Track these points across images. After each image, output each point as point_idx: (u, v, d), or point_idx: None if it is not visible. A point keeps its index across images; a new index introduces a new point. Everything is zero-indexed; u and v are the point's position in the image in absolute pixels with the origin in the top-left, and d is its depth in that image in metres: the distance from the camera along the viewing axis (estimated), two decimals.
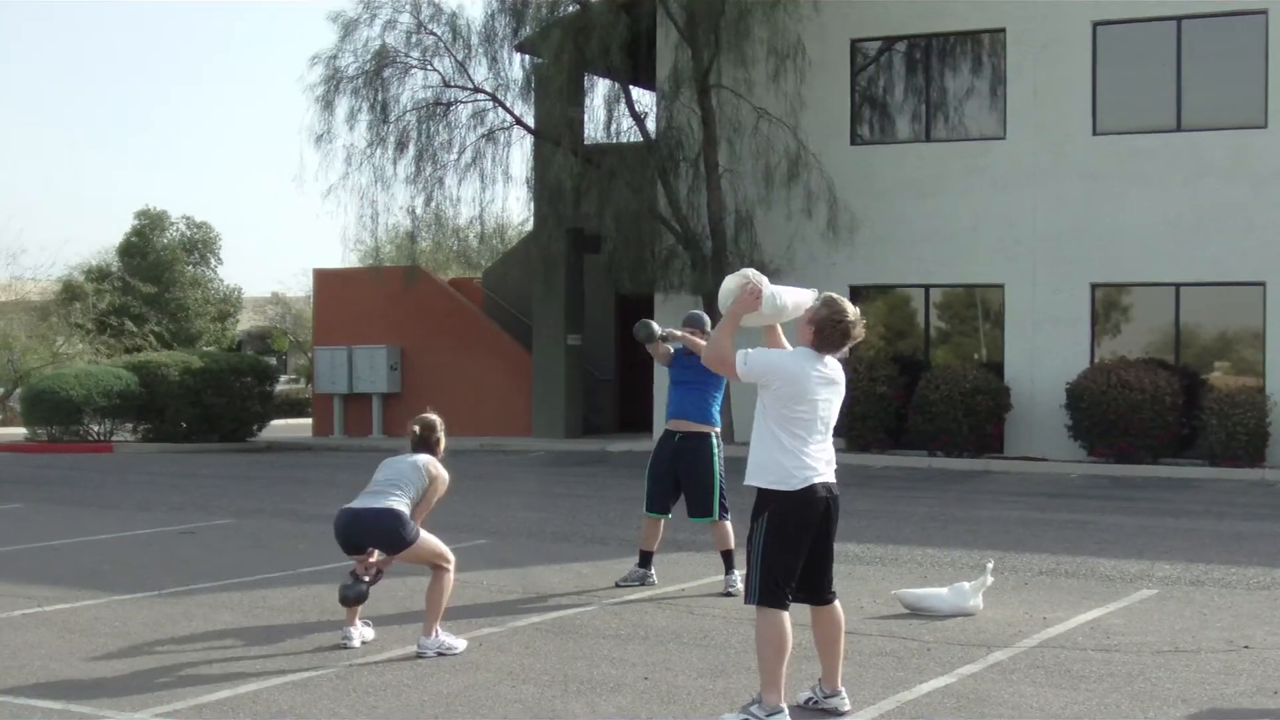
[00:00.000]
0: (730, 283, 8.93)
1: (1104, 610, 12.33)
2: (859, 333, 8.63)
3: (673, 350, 13.40)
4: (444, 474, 11.01)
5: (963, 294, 30.37)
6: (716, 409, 13.32)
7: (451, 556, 10.75)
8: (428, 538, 10.68)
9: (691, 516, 13.39)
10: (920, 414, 27.99)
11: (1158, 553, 15.77)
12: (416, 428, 11.20)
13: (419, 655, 10.43)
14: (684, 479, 13.26)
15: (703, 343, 13.03)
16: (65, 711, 9.00)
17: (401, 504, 10.61)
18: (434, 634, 10.53)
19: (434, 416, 11.24)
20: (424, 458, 10.98)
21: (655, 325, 13.01)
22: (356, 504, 10.74)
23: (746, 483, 8.64)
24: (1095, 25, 28.63)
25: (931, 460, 27.56)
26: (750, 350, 8.60)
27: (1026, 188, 29.02)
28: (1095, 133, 28.59)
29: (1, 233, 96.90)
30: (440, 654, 10.45)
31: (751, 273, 8.90)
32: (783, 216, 30.26)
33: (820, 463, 8.58)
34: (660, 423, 13.99)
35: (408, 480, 10.79)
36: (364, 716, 8.92)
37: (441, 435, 11.20)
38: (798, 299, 9.01)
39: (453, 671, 10.03)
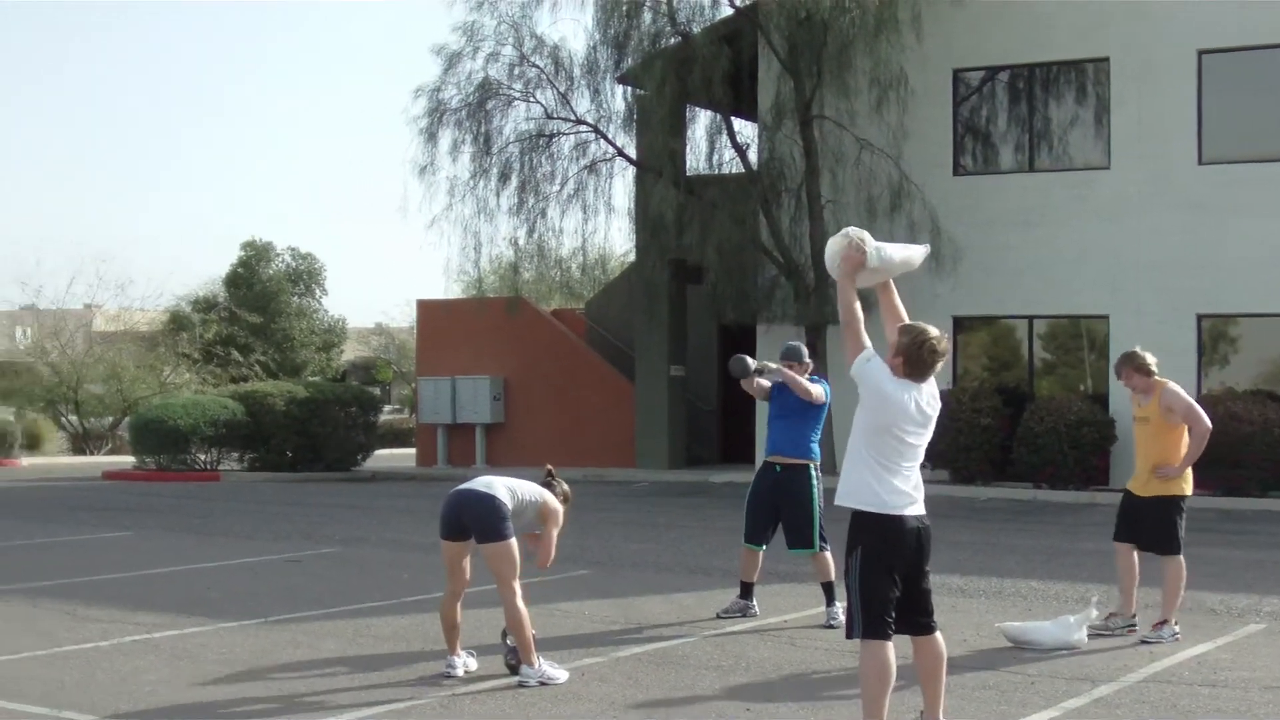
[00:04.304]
0: (833, 245, 8.93)
1: (1211, 645, 12.21)
2: (945, 348, 8.61)
3: (769, 385, 13.40)
4: (558, 508, 11.10)
5: (1067, 325, 30.18)
6: (816, 442, 13.32)
7: (519, 587, 10.69)
8: (514, 549, 10.70)
9: (791, 548, 13.38)
10: (1025, 446, 27.80)
11: (1267, 587, 15.58)
12: (547, 468, 11.59)
13: (521, 685, 10.47)
14: (784, 511, 13.27)
15: (801, 379, 13.05)
16: None
17: (506, 499, 10.70)
18: (536, 663, 10.57)
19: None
20: (545, 491, 11.09)
21: (750, 360, 13.03)
22: (465, 486, 10.88)
23: (838, 502, 8.66)
24: (1200, 54, 28.41)
25: (1036, 492, 27.36)
26: (874, 356, 8.58)
27: (1131, 217, 28.82)
28: (1201, 162, 28.35)
29: (110, 264, 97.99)
30: (542, 683, 10.48)
31: (853, 230, 8.91)
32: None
33: (909, 487, 8.57)
34: (762, 453, 13.98)
35: (522, 488, 10.89)
36: None
37: (560, 484, 11.30)
38: (906, 254, 9.02)
39: (554, 701, 10.06)
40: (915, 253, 9.12)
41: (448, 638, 10.97)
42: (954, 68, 30.80)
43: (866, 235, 8.86)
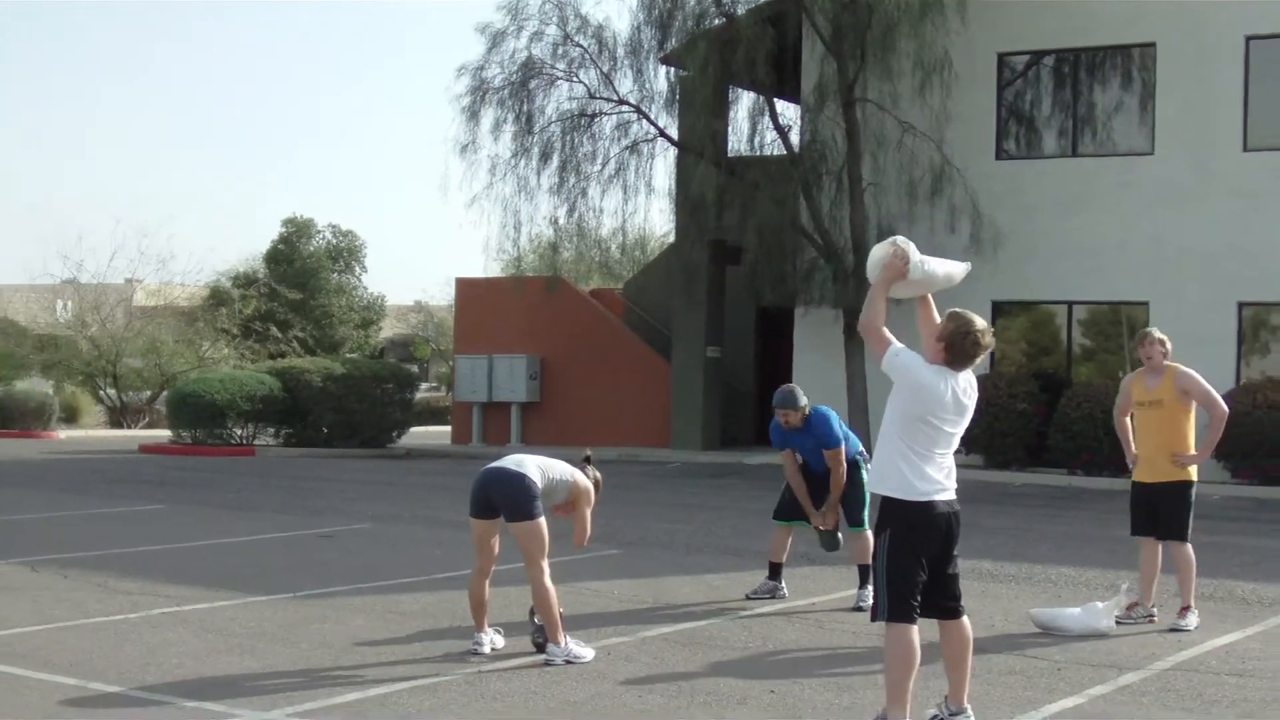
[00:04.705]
0: (878, 251, 8.92)
1: (1241, 634, 12.14)
2: (989, 341, 8.55)
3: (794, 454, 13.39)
4: (589, 487, 11.10)
5: (1107, 311, 30.04)
6: (851, 440, 13.28)
7: (546, 565, 10.68)
8: (543, 529, 10.68)
9: (849, 527, 13.44)
10: (1061, 432, 27.70)
11: None
12: (585, 454, 11.59)
13: (547, 663, 10.47)
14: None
15: (837, 488, 13.10)
16: (198, 709, 9.13)
17: (537, 478, 10.71)
18: (562, 642, 10.56)
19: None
20: (577, 471, 11.07)
21: (838, 535, 13.32)
22: (495, 464, 10.87)
23: (869, 488, 8.63)
24: (1248, 39, 28.22)
25: (1071, 479, 27.25)
26: (903, 348, 8.54)
27: (1174, 204, 28.65)
28: (1246, 149, 28.18)
29: (152, 239, 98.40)
30: (568, 661, 10.48)
31: (900, 240, 8.89)
32: (926, 231, 30.00)
33: (941, 475, 8.53)
34: None
35: (554, 468, 10.91)
36: None
37: (593, 470, 11.30)
38: (949, 269, 8.99)
39: (580, 680, 10.06)
40: (957, 269, 9.10)
41: (475, 615, 10.97)
42: (998, 51, 30.67)
43: (912, 246, 8.83)
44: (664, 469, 30.24)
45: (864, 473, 13.22)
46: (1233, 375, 27.58)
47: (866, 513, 13.15)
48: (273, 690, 9.67)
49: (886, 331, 8.58)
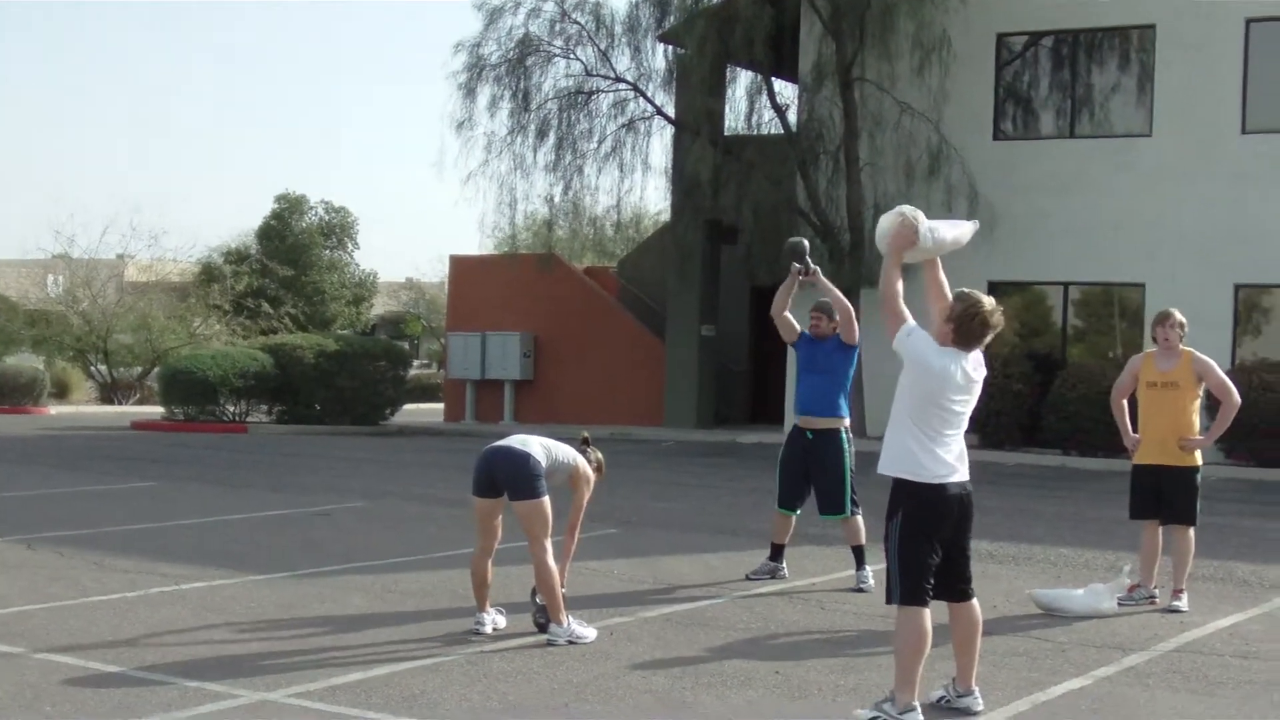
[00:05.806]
0: (886, 221, 8.89)
1: (1243, 616, 12.12)
2: (998, 320, 8.49)
3: (798, 328, 13.36)
4: (590, 473, 11.12)
5: (1101, 292, 30.01)
6: (845, 399, 13.19)
7: (550, 545, 10.63)
8: (546, 508, 10.61)
9: (822, 513, 13.33)
10: (1055, 412, 27.69)
11: None
12: (583, 435, 11.59)
13: (550, 643, 10.42)
14: (815, 475, 13.18)
15: (839, 294, 13.05)
16: (199, 689, 9.05)
17: (541, 457, 10.66)
18: (565, 622, 10.51)
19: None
20: (579, 455, 11.04)
21: (807, 254, 13.21)
22: (499, 443, 10.82)
23: (880, 470, 8.55)
24: (1248, 22, 28.17)
25: (1065, 459, 27.23)
26: (915, 328, 8.48)
27: (1171, 186, 28.61)
28: (1244, 131, 28.13)
29: (144, 215, 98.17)
30: (571, 642, 10.43)
31: (908, 209, 8.86)
32: (922, 210, 29.93)
33: (952, 457, 8.48)
34: (791, 415, 13.90)
35: (558, 449, 10.88)
36: (494, 702, 8.90)
37: (595, 453, 11.35)
38: (957, 233, 8.95)
39: (583, 660, 10.01)
40: (965, 231, 9.07)
41: (477, 594, 10.92)
42: (997, 32, 30.62)
43: (920, 214, 8.78)
44: (657, 448, 30.17)
45: (846, 452, 13.10)
46: (1229, 357, 27.55)
47: (848, 497, 13.06)
48: (274, 670, 9.60)
49: (903, 308, 8.52)
